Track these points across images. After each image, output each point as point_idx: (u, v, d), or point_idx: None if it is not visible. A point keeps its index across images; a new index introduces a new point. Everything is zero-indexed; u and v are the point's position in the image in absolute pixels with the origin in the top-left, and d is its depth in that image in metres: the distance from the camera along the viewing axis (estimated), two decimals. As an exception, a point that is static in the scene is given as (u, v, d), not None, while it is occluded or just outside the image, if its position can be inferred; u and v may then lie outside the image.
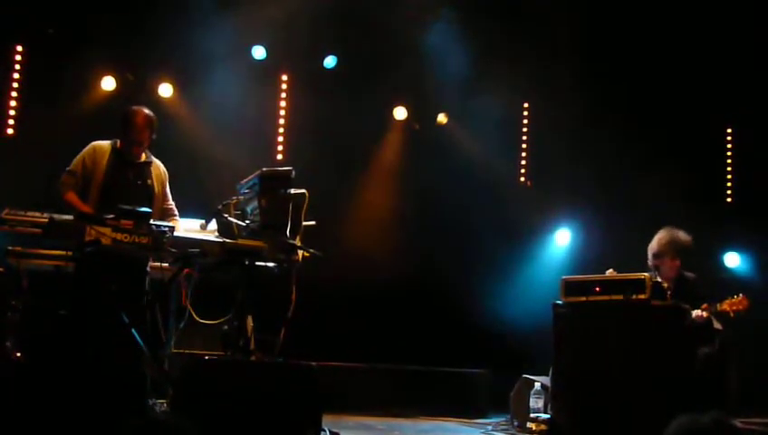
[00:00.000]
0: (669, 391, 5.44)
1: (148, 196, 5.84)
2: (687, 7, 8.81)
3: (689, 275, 6.61)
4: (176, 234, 5.22)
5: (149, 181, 5.93)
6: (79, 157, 5.83)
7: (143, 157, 5.96)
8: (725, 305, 6.20)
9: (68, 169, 5.81)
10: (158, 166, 6.05)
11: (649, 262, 6.69)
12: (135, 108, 5.92)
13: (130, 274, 5.48)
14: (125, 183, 5.81)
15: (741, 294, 6.23)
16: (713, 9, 8.78)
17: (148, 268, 5.64)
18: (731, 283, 9.09)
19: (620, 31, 9.14)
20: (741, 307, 6.17)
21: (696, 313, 6.17)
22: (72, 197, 5.71)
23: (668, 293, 6.43)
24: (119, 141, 5.91)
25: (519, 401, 7.18)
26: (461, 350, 8.85)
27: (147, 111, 5.91)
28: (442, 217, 9.60)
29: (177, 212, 6.04)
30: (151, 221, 5.18)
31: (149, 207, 5.52)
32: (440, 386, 8.36)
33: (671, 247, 6.58)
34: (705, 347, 6.15)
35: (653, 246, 6.70)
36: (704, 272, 6.89)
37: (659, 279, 6.51)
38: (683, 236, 6.60)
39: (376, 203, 9.65)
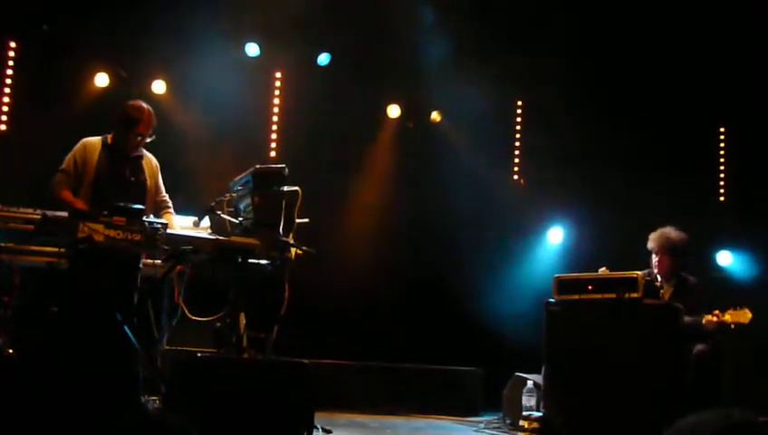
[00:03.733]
0: (662, 390, 5.45)
1: (141, 191, 5.79)
2: (681, 6, 8.82)
3: (691, 278, 6.62)
4: (169, 231, 5.20)
5: (142, 176, 5.88)
6: (70, 155, 5.75)
7: (136, 150, 5.91)
8: (727, 316, 6.12)
9: (61, 168, 5.73)
10: (150, 159, 5.99)
11: None
12: (136, 104, 5.84)
13: (123, 271, 5.48)
14: (118, 178, 5.75)
15: (745, 307, 6.17)
16: (706, 8, 8.79)
17: (140, 265, 5.64)
18: (723, 281, 9.13)
19: (614, 29, 9.14)
20: (743, 320, 6.12)
21: (707, 317, 6.16)
22: (66, 195, 5.62)
23: (667, 292, 6.46)
24: (109, 136, 5.84)
25: (511, 399, 7.20)
26: (454, 348, 8.83)
27: (146, 105, 5.88)
28: (434, 215, 9.59)
29: (171, 204, 5.99)
30: (144, 217, 5.16)
31: (143, 202, 5.52)
32: (433, 384, 8.35)
33: (658, 245, 6.62)
34: (698, 345, 6.16)
35: (648, 242, 6.73)
36: (696, 270, 6.89)
37: (658, 277, 6.55)
38: (673, 234, 6.61)
39: (369, 201, 9.64)
